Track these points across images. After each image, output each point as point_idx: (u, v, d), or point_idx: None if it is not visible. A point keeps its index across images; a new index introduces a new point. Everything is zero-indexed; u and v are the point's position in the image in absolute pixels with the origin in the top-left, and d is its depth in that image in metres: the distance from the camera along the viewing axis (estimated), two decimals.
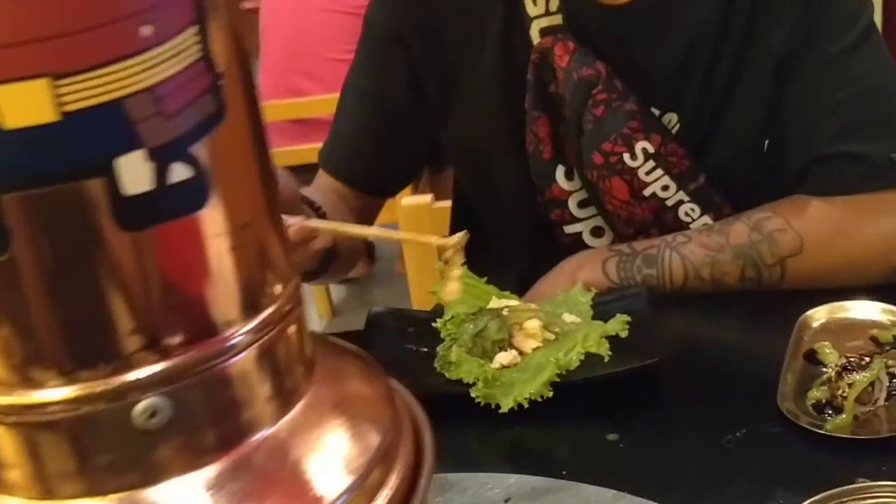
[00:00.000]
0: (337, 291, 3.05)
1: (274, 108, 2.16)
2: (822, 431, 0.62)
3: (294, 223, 0.69)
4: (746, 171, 0.92)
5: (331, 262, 0.90)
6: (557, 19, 0.89)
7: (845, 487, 0.53)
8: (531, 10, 0.89)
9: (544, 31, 0.89)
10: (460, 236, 0.66)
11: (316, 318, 2.91)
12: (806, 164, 0.87)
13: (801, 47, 0.85)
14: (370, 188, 1.03)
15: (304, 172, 1.03)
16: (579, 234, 0.96)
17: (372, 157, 1.01)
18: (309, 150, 2.22)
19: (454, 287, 0.69)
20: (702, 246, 0.85)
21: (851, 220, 0.84)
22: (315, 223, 0.73)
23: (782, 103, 0.88)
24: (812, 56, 0.85)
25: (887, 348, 0.70)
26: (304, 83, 2.34)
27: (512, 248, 1.01)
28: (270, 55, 2.41)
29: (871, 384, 0.64)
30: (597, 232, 0.95)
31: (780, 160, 0.90)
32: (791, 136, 0.89)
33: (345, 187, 1.01)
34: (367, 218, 1.04)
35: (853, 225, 0.84)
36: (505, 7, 0.90)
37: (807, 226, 0.84)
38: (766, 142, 0.93)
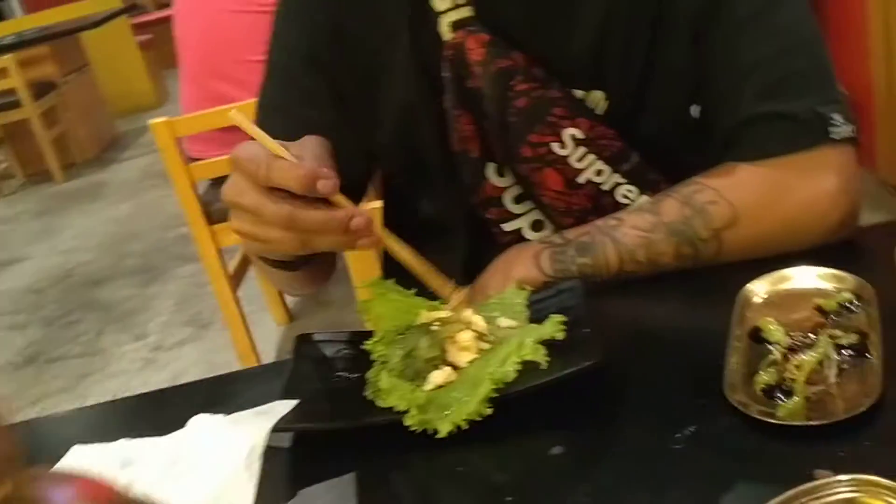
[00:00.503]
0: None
1: (198, 120, 2.09)
2: (774, 421, 0.58)
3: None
4: (678, 144, 0.89)
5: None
6: (467, 11, 0.85)
7: (802, 487, 0.49)
8: (438, 4, 0.85)
9: (455, 25, 0.85)
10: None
11: (273, 325, 2.85)
12: (733, 128, 0.83)
13: (714, 8, 0.82)
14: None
15: None
16: (519, 231, 0.92)
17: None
18: None
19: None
20: (634, 227, 0.81)
21: (783, 182, 0.81)
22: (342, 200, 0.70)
23: (705, 67, 0.84)
24: (726, 16, 0.82)
25: (833, 318, 0.67)
26: (226, 88, 2.28)
27: (453, 243, 0.97)
28: (189, 64, 2.34)
29: (820, 363, 0.61)
30: (537, 226, 0.92)
31: (711, 127, 0.87)
32: (716, 100, 0.85)
33: None
34: None
35: (785, 187, 0.81)
36: (413, 5, 0.86)
37: (739, 194, 0.80)
38: (699, 110, 0.89)
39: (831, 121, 0.80)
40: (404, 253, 0.76)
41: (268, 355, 2.52)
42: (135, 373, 2.84)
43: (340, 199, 0.70)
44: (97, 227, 4.45)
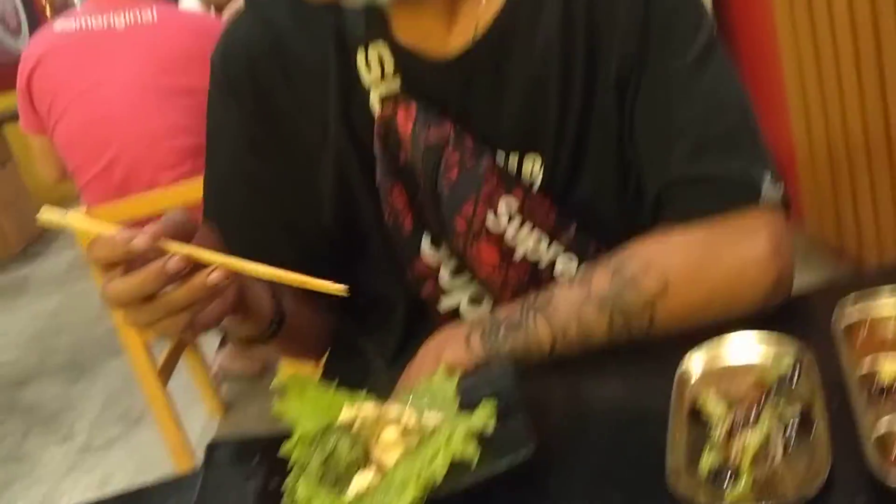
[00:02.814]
0: (227, 381, 2.89)
1: (118, 209, 2.02)
2: None
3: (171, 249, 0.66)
4: (616, 210, 0.86)
5: (280, 323, 0.84)
6: (395, 84, 0.83)
7: None
8: (366, 77, 0.83)
9: (384, 99, 0.83)
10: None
11: (205, 418, 2.74)
12: (662, 189, 0.81)
13: (641, 68, 0.80)
14: None
15: None
16: (456, 309, 0.89)
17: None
18: None
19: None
20: (565, 302, 0.78)
21: (713, 248, 0.78)
22: (194, 250, 0.67)
23: (632, 129, 0.82)
24: (653, 76, 0.80)
25: (775, 388, 0.63)
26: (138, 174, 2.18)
27: (392, 322, 0.93)
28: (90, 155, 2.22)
29: (766, 439, 0.57)
30: (475, 300, 0.89)
31: (642, 189, 0.84)
32: (645, 161, 0.83)
33: None
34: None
35: (716, 253, 0.78)
36: (339, 81, 0.84)
37: (669, 262, 0.77)
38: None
39: (761, 183, 0.78)
40: (272, 270, 0.71)
41: (202, 450, 2.40)
42: (62, 477, 2.69)
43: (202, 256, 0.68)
44: (21, 324, 4.28)
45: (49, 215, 0.68)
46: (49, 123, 2.17)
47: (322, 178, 0.88)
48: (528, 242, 0.84)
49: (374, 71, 0.83)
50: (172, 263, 0.66)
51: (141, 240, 0.65)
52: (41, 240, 5.86)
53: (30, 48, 2.21)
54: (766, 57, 2.61)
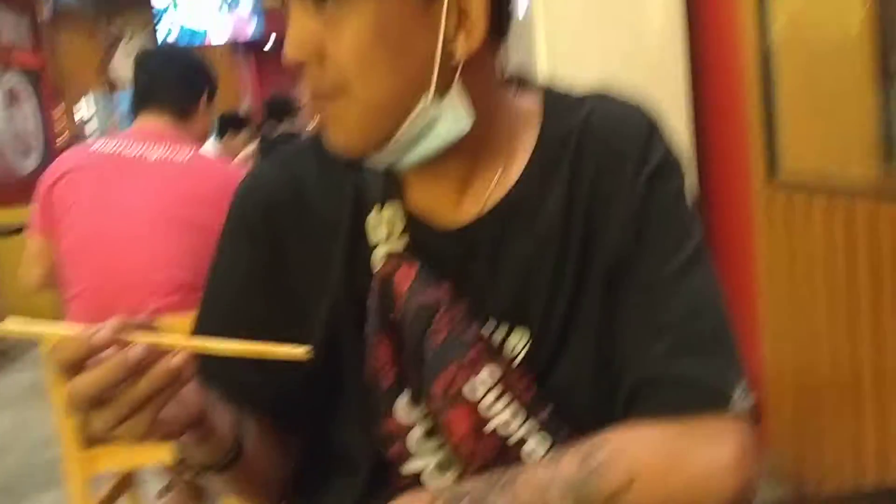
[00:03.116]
0: None
1: None
2: None
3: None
4: (589, 396, 0.87)
5: (237, 454, 0.83)
6: (400, 245, 0.87)
7: None
8: (374, 235, 0.87)
9: (387, 257, 0.86)
10: None
11: None
12: (636, 385, 0.83)
13: (629, 265, 0.84)
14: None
15: None
16: (418, 476, 0.88)
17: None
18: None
19: None
20: (529, 484, 0.77)
21: (681, 448, 0.79)
22: (156, 337, 0.68)
23: (612, 324, 0.85)
24: (640, 274, 0.84)
25: None
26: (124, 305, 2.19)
27: (352, 482, 0.92)
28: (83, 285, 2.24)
29: None
30: (442, 467, 0.88)
31: (618, 382, 0.86)
32: (621, 357, 0.85)
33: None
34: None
35: (683, 454, 0.79)
36: (350, 232, 0.88)
37: (636, 458, 0.78)
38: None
39: (733, 391, 0.80)
40: (233, 345, 0.72)
41: None
42: None
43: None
44: None
45: (12, 326, 0.69)
46: (58, 230, 2.21)
47: (314, 325, 0.89)
48: (503, 416, 0.84)
49: (384, 229, 0.86)
50: (133, 352, 0.66)
51: (102, 333, 0.66)
52: (5, 356, 5.75)
53: (61, 160, 2.28)
54: (744, 290, 2.70)
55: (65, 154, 2.34)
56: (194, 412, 0.75)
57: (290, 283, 0.90)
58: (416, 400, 0.87)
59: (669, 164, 0.87)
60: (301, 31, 0.78)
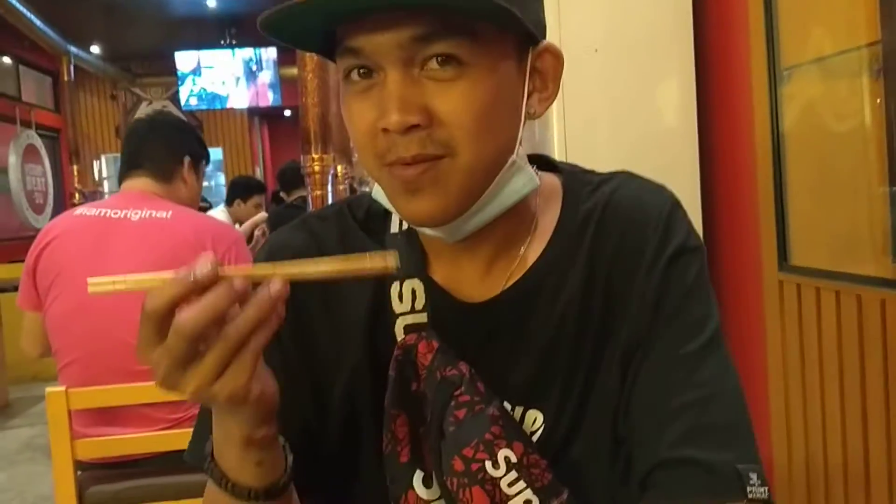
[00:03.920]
0: None
1: (96, 395, 2.00)
2: None
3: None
4: (604, 479, 0.87)
5: (286, 483, 0.78)
6: (422, 317, 0.87)
7: None
8: (397, 307, 0.87)
9: (409, 329, 0.86)
10: None
11: None
12: (650, 469, 0.82)
13: (647, 347, 0.84)
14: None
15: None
16: None
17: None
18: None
19: None
20: None
21: None
22: (248, 270, 0.67)
23: (629, 405, 0.84)
24: (657, 355, 0.84)
25: None
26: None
27: None
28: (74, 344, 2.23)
29: None
30: None
31: (631, 466, 0.85)
32: (635, 441, 0.84)
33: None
34: None
35: None
36: (373, 302, 0.88)
37: None
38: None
39: (749, 480, 0.79)
40: (319, 265, 0.68)
41: None
42: None
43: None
44: None
45: (98, 287, 0.67)
46: (46, 302, 2.21)
47: (332, 396, 0.89)
48: (520, 499, 0.83)
49: (406, 303, 0.87)
50: (238, 282, 0.64)
51: (204, 269, 0.63)
52: (3, 414, 5.70)
53: (46, 228, 2.31)
54: (753, 377, 2.68)
55: (50, 223, 2.37)
56: (271, 394, 0.72)
57: (308, 354, 0.90)
58: (432, 477, 0.86)
59: (690, 247, 0.88)
60: (410, 94, 0.76)
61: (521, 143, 0.83)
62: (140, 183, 2.32)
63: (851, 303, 2.13)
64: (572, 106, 2.80)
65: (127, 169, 2.36)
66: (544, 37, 0.84)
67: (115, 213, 2.24)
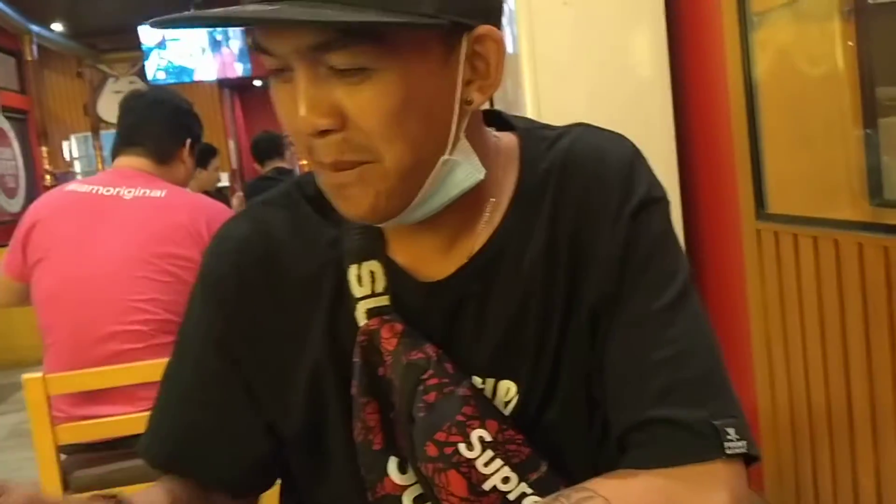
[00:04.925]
0: None
1: (74, 379, 1.98)
2: None
3: None
4: (581, 445, 0.85)
5: None
6: (384, 300, 0.84)
7: None
8: (357, 291, 0.84)
9: (371, 313, 0.83)
10: None
11: None
12: (627, 430, 0.80)
13: (616, 305, 0.82)
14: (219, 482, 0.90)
15: None
16: None
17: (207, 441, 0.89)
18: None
19: None
20: None
21: (673, 496, 0.76)
22: None
23: (602, 365, 0.83)
24: (627, 313, 0.81)
25: None
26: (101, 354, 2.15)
27: None
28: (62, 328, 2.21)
29: None
30: None
31: (608, 428, 0.84)
32: (611, 402, 0.83)
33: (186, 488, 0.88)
34: None
35: (675, 502, 0.76)
36: (331, 291, 0.85)
37: None
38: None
39: (726, 435, 0.77)
40: None
41: None
42: None
43: None
44: None
45: None
46: (34, 275, 2.18)
47: (294, 388, 0.86)
48: (498, 477, 0.81)
49: (365, 286, 0.84)
50: None
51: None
52: None
53: (37, 204, 2.28)
54: (735, 325, 2.69)
55: (41, 198, 2.33)
56: None
57: (263, 347, 0.87)
58: (406, 462, 0.84)
59: (654, 197, 0.85)
60: (320, 97, 0.72)
61: (459, 137, 0.78)
62: (136, 161, 2.26)
63: (829, 248, 2.13)
64: (543, 61, 2.77)
65: (124, 145, 2.29)
66: (493, 20, 0.77)
67: (108, 191, 2.19)
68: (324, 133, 0.73)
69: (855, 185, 2.08)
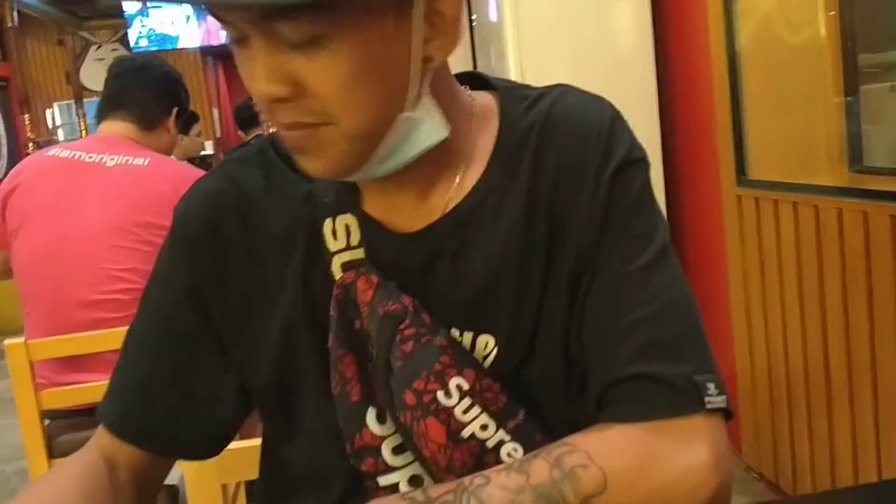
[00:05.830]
0: None
1: (55, 345, 1.98)
2: None
3: None
4: (560, 400, 0.86)
5: None
6: (359, 253, 0.84)
7: None
8: (331, 244, 0.85)
9: (346, 266, 0.84)
10: None
11: None
12: (607, 386, 0.81)
13: (595, 264, 0.83)
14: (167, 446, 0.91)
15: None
16: (396, 486, 0.86)
17: (168, 405, 0.90)
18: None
19: None
20: (501, 488, 0.76)
21: (655, 449, 0.78)
22: None
23: (580, 324, 0.84)
24: (606, 274, 0.82)
25: None
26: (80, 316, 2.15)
27: (326, 496, 0.90)
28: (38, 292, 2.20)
29: None
30: (415, 481, 0.86)
31: (587, 384, 0.85)
32: (590, 360, 0.84)
33: (131, 451, 0.89)
34: (147, 488, 0.91)
35: (657, 455, 0.78)
36: (306, 245, 0.85)
37: (609, 460, 0.77)
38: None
39: (707, 390, 0.79)
40: None
41: None
42: None
43: None
44: None
45: None
46: (14, 242, 2.17)
47: (265, 341, 0.87)
48: (476, 424, 0.83)
49: (340, 240, 0.84)
50: None
51: None
52: None
53: (17, 168, 2.24)
54: (714, 291, 2.72)
55: (21, 162, 2.30)
56: None
57: (234, 301, 0.87)
58: (385, 413, 0.85)
59: (634, 158, 0.85)
60: (276, 66, 0.73)
61: (421, 95, 0.78)
62: (120, 127, 2.24)
63: (809, 213, 2.15)
64: (526, 28, 2.76)
65: (108, 110, 2.27)
66: None
67: (90, 157, 2.17)
68: (281, 100, 0.74)
69: (834, 151, 2.10)
